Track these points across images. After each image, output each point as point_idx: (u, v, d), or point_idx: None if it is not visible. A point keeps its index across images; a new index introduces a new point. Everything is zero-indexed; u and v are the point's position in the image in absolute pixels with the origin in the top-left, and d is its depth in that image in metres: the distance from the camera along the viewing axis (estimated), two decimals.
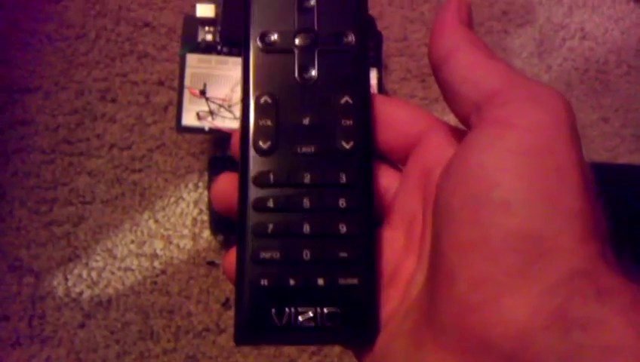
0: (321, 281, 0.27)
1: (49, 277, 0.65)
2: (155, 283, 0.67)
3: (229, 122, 0.60)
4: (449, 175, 0.24)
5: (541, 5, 0.86)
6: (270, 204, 0.27)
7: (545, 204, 0.21)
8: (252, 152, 0.27)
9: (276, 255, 0.27)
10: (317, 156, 0.27)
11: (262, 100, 0.28)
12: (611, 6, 0.88)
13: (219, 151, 0.70)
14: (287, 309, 0.26)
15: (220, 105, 0.60)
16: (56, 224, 0.67)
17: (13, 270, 0.65)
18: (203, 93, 0.59)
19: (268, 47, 0.28)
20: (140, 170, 0.70)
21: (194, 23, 0.62)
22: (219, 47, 0.62)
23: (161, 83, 0.72)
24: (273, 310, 0.26)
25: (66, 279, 0.66)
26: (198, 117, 0.59)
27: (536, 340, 0.20)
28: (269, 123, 0.27)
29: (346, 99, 0.28)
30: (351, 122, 0.27)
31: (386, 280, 0.28)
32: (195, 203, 0.69)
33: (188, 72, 0.61)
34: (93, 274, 0.66)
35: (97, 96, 0.71)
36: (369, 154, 0.28)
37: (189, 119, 0.60)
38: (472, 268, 0.22)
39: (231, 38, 0.61)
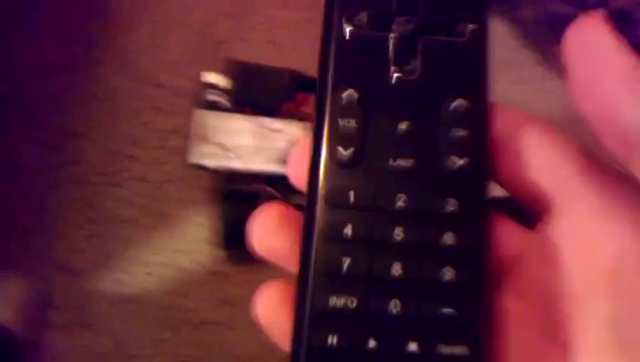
0: (413, 346, 0.19)
1: (89, 277, 0.85)
2: (169, 285, 0.86)
3: (228, 161, 0.78)
4: None
5: None
6: (348, 232, 0.20)
7: None
8: (327, 162, 0.21)
9: (352, 303, 0.20)
10: (416, 173, 0.20)
11: (345, 95, 0.21)
12: None
13: (223, 185, 0.87)
14: None
15: (222, 148, 0.78)
16: (95, 237, 0.86)
17: (62, 272, 0.85)
18: (208, 139, 0.77)
19: (356, 31, 0.21)
20: (157, 198, 0.89)
21: (202, 87, 0.82)
22: (221, 105, 0.81)
23: (175, 131, 0.92)
24: None
25: (102, 280, 0.85)
26: (204, 157, 0.77)
27: None
28: (352, 125, 0.21)
29: (459, 102, 0.21)
30: (465, 133, 0.21)
31: None
32: (205, 226, 0.88)
33: (196, 122, 0.80)
34: (122, 276, 0.86)
35: (126, 140, 0.91)
36: (485, 176, 0.21)
37: (196, 159, 0.78)
38: None
39: (242, 101, 0.79)
